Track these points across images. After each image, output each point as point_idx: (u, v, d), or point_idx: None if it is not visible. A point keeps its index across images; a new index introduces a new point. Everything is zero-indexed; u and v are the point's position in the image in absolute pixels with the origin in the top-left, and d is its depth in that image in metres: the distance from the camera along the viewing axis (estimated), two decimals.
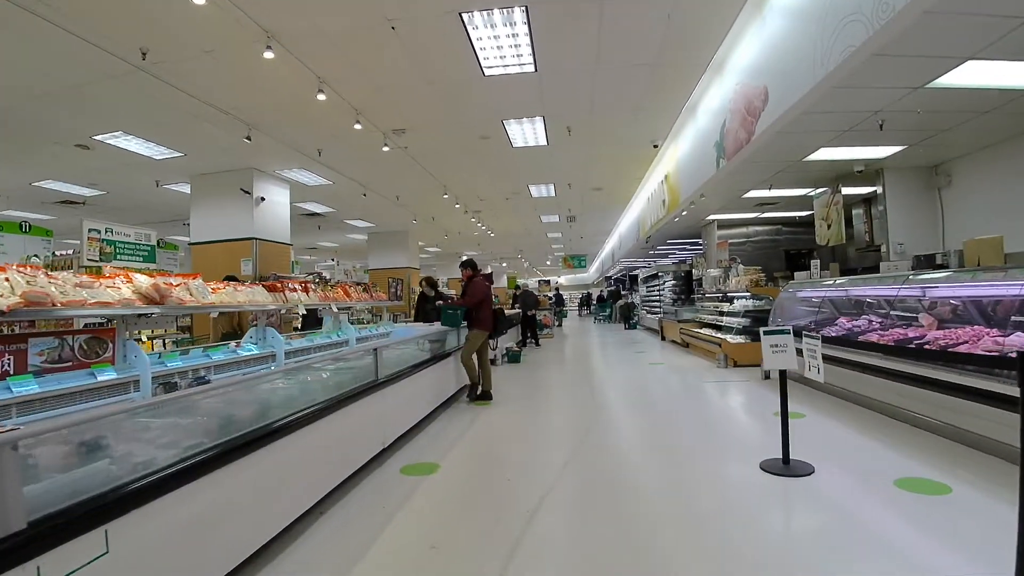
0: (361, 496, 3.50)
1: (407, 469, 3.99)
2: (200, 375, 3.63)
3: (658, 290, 17.47)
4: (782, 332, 3.60)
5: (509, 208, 13.66)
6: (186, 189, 10.59)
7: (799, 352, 3.73)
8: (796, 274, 7.77)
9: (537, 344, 13.55)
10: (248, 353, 4.05)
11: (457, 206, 12.14)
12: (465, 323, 6.53)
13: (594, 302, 29.96)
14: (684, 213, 10.33)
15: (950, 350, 3.78)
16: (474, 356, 6.50)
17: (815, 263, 7.27)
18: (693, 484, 3.57)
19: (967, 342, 3.75)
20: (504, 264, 28.71)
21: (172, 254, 12.73)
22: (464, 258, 6.86)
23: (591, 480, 3.74)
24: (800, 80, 4.74)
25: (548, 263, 28.79)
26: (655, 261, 22.64)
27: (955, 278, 4.48)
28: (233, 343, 4.20)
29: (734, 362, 8.59)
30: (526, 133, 7.96)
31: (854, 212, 9.05)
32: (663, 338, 13.99)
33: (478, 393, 6.58)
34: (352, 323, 8.21)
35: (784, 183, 9.06)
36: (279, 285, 4.35)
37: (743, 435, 4.82)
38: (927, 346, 4.29)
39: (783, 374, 3.70)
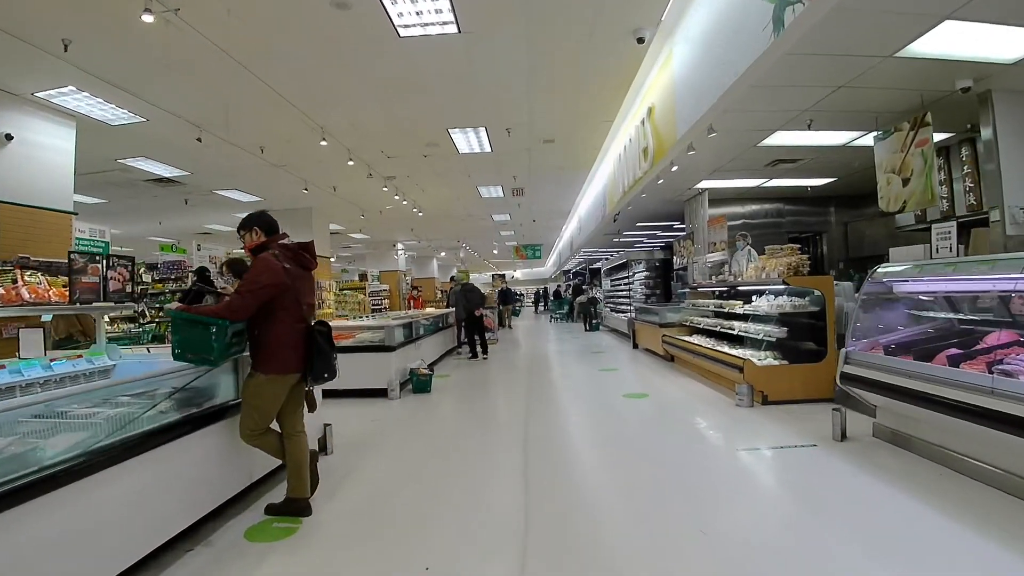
0: None
1: None
2: None
3: (626, 283, 14.31)
4: None
5: (432, 171, 10.07)
6: None
7: None
8: (892, 251, 4.52)
9: (474, 356, 10.06)
10: None
11: (351, 163, 8.48)
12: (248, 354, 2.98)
13: (551, 298, 26.71)
14: (675, 168, 7.03)
15: None
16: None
17: (945, 229, 4.01)
18: None
19: None
20: (443, 253, 24.90)
21: None
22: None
23: None
24: None
25: (496, 252, 25.19)
26: (618, 252, 19.55)
27: None
28: None
29: (763, 396, 5.34)
30: None
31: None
32: (635, 345, 10.75)
33: (281, 502, 3.05)
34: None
35: (835, 118, 5.96)
36: None
37: None
38: None
39: None
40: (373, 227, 16.80)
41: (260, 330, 2.86)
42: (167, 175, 9.81)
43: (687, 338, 7.62)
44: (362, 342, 6.56)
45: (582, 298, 17.07)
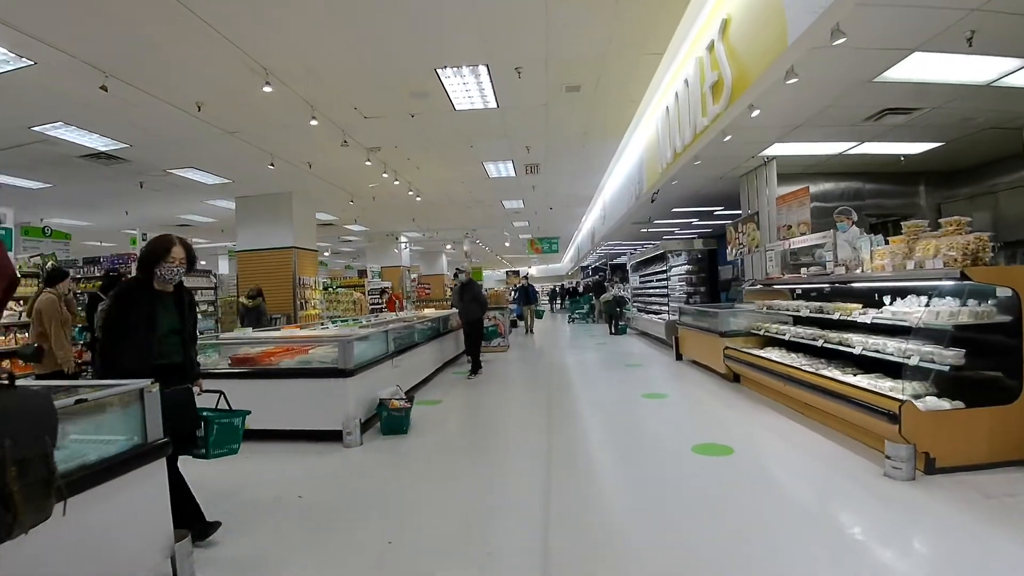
0: None
1: None
2: None
3: (660, 279, 12.20)
4: None
5: (424, 139, 8.07)
6: None
7: None
8: None
9: (475, 372, 8.03)
10: None
11: (314, 122, 6.52)
12: None
13: (567, 296, 24.62)
14: (755, 113, 4.96)
15: None
16: None
17: None
18: None
19: None
20: (450, 247, 22.82)
21: None
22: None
23: None
24: None
25: (507, 245, 23.04)
26: (645, 244, 17.43)
27: None
28: None
29: (927, 459, 3.27)
30: None
31: None
32: (679, 356, 8.66)
33: None
34: None
35: (1006, 29, 3.84)
36: None
37: None
38: None
39: None
40: (369, 216, 14.90)
41: None
42: (102, 148, 7.96)
43: (763, 353, 5.55)
44: (308, 363, 4.59)
45: (607, 296, 14.96)
